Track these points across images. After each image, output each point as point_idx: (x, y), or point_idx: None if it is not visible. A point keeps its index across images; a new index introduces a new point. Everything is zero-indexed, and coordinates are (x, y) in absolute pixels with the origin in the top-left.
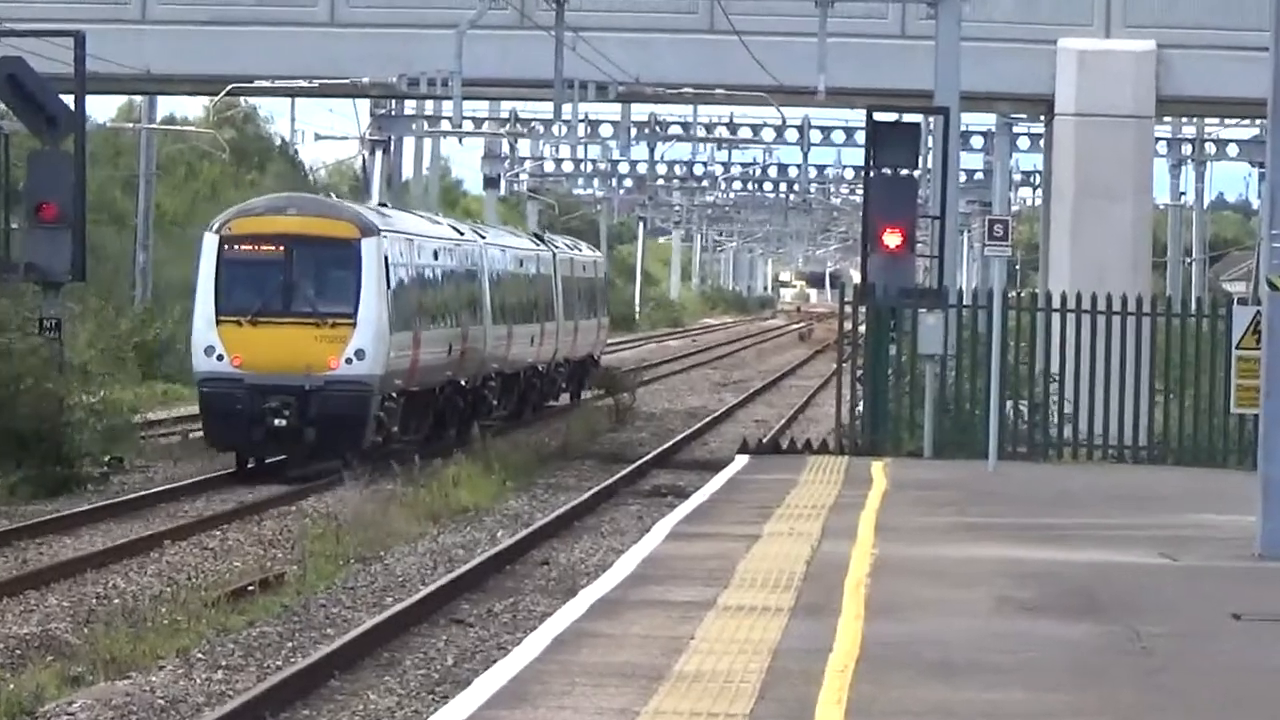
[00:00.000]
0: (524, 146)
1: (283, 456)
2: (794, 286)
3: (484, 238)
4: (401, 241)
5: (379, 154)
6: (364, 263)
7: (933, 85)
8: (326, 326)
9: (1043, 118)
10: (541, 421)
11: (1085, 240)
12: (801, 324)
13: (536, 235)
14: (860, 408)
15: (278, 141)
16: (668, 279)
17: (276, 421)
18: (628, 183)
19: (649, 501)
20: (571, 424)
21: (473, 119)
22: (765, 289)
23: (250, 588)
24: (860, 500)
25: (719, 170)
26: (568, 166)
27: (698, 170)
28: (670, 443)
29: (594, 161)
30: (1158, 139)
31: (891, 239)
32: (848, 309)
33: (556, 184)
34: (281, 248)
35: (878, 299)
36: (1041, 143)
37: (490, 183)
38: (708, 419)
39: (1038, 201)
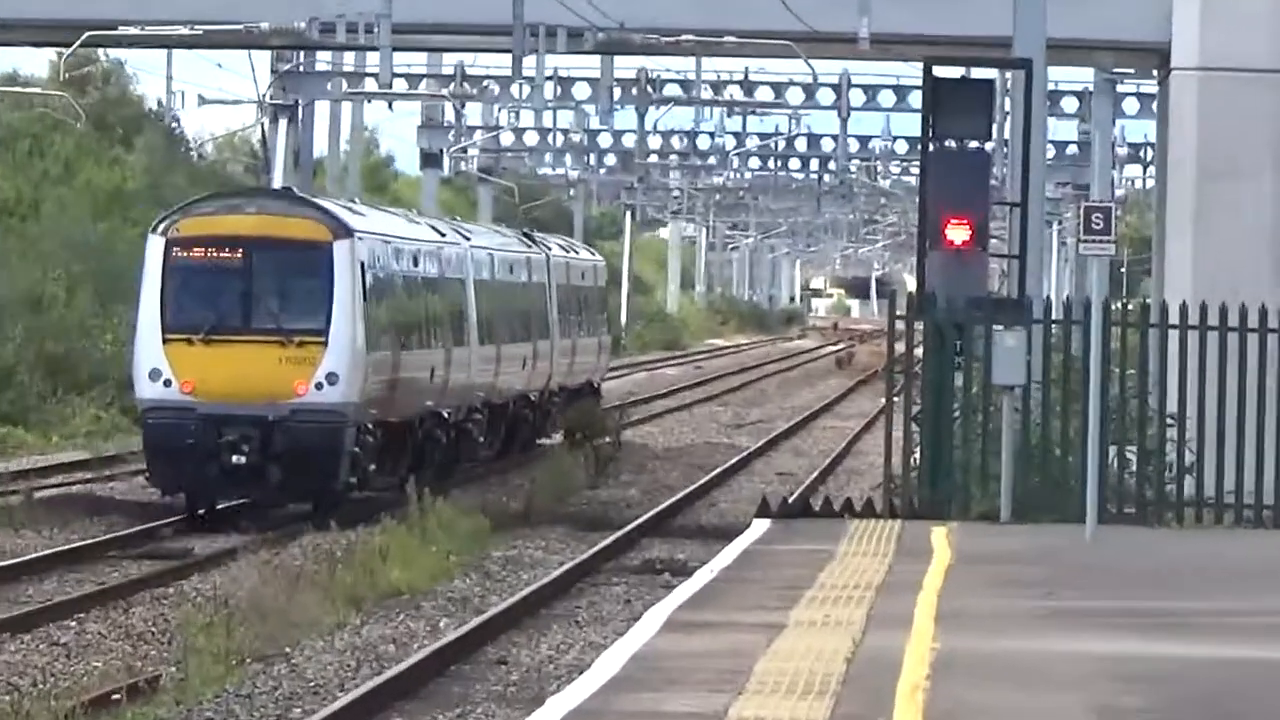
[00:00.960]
0: (474, 113)
1: (241, 500)
2: (829, 296)
3: (469, 239)
4: (378, 245)
5: (283, 123)
6: (337, 270)
7: (1011, 30)
8: (293, 346)
9: (1156, 73)
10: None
11: (1213, 234)
12: (839, 345)
13: (526, 235)
14: (916, 457)
15: (151, 106)
16: (663, 286)
17: (234, 458)
18: (610, 160)
19: (639, 580)
20: (538, 478)
21: (406, 76)
22: (792, 299)
23: (116, 695)
24: (917, 579)
25: (730, 143)
26: (531, 139)
27: (702, 144)
28: (667, 503)
29: (566, 132)
30: None
31: (957, 233)
32: (899, 326)
33: (516, 162)
34: (240, 252)
35: (939, 313)
36: (1154, 106)
37: (430, 160)
38: (716, 472)
39: (1150, 184)
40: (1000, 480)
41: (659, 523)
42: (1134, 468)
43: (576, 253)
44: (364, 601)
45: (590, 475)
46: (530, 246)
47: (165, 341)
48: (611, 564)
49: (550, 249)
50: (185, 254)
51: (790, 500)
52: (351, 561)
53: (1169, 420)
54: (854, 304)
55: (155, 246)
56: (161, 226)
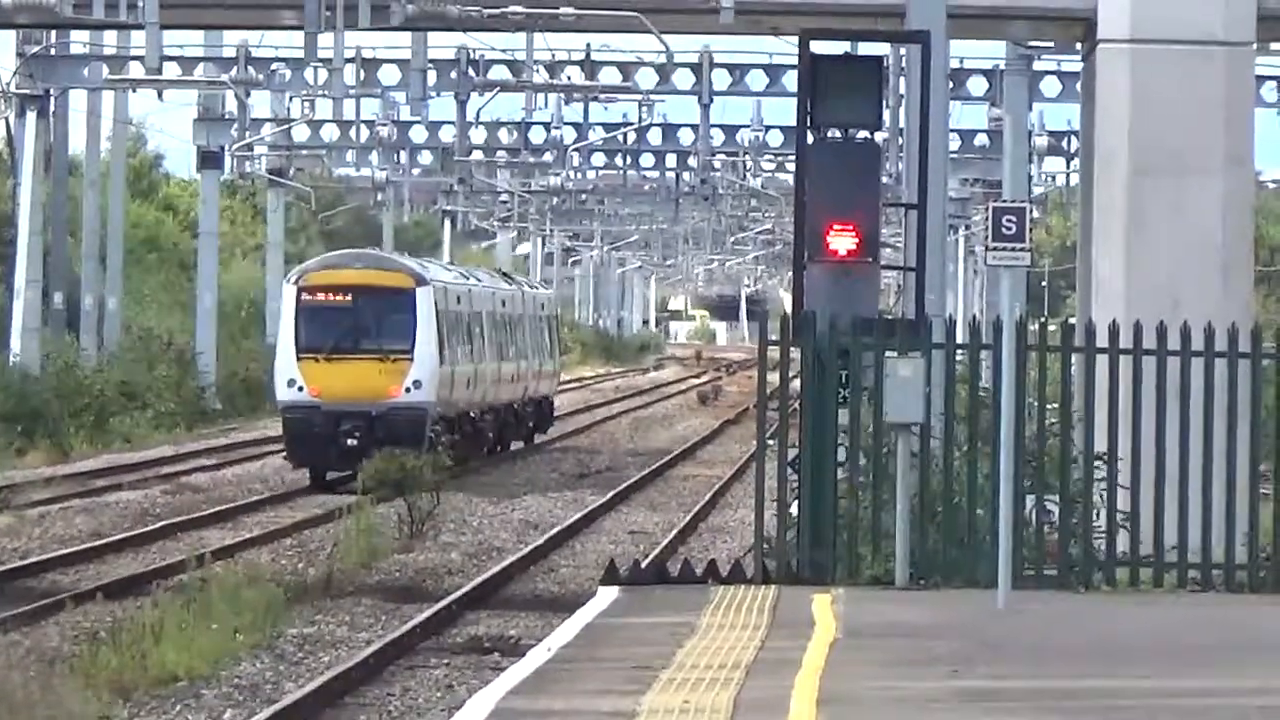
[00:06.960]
0: (261, 103)
1: (352, 471)
2: (691, 319)
3: (480, 282)
4: (441, 290)
5: (31, 116)
6: (419, 308)
7: None
8: (389, 361)
9: (1079, 46)
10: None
11: (1149, 239)
12: (703, 378)
13: (504, 274)
14: (794, 510)
15: None
16: None
17: (349, 441)
18: (425, 158)
19: (463, 662)
20: (343, 539)
21: (179, 60)
22: (646, 323)
23: None
24: (795, 656)
25: (569, 137)
26: (330, 133)
27: (536, 137)
28: (496, 568)
29: (371, 125)
30: (1262, 78)
31: (841, 242)
32: (773, 353)
33: (313, 161)
34: (349, 296)
35: (820, 337)
36: (1078, 87)
37: (208, 160)
38: (554, 530)
39: (1074, 180)
40: (895, 537)
41: (487, 593)
42: (1056, 520)
43: (536, 288)
44: (134, 689)
45: (403, 536)
46: (511, 285)
47: (299, 359)
48: (430, 643)
49: (523, 287)
50: (311, 297)
51: (643, 564)
52: (118, 641)
53: (1097, 463)
54: (720, 328)
55: (289, 293)
56: (294, 279)
